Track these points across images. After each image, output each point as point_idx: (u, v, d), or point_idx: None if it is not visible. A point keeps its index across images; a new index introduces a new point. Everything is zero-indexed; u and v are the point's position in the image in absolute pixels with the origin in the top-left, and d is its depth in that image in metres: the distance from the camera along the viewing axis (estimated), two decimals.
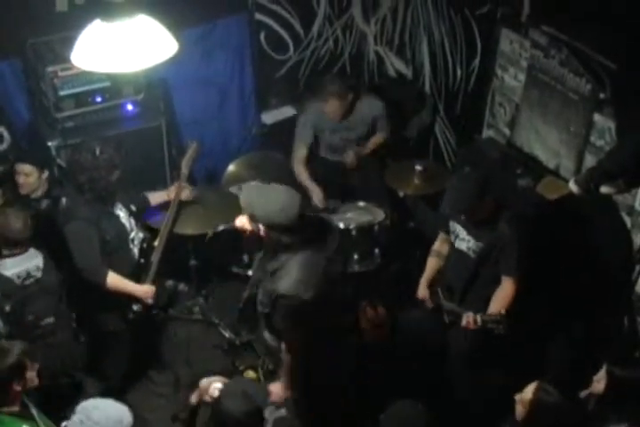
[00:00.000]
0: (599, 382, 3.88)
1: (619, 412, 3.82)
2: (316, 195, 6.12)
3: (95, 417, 3.57)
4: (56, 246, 4.80)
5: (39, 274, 4.68)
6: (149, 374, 5.69)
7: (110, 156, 4.70)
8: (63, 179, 5.53)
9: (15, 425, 3.77)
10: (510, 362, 5.26)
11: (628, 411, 3.81)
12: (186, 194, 5.52)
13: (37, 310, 4.69)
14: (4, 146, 5.64)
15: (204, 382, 4.12)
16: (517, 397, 3.84)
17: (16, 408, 3.83)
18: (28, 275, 4.65)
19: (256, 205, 4.12)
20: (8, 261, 4.62)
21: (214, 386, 4.05)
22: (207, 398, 4.05)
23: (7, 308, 4.60)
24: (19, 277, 4.62)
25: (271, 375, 4.61)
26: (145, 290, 4.97)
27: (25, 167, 5.21)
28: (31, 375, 3.90)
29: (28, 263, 4.66)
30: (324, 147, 6.39)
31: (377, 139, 6.38)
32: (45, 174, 5.29)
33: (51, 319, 4.74)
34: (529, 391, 3.77)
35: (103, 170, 4.67)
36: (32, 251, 4.69)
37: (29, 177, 5.22)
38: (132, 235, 5.02)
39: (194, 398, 4.14)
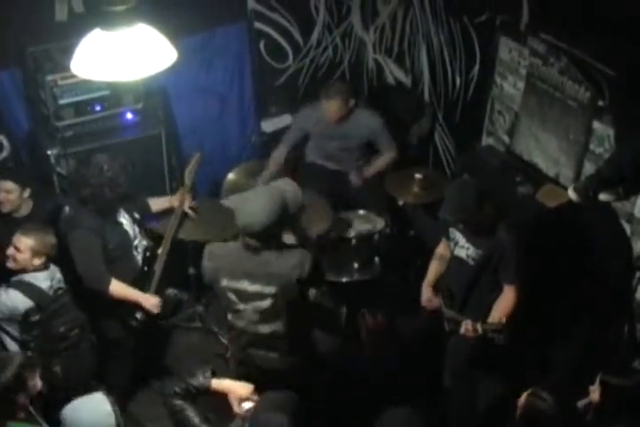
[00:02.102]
0: (594, 392, 3.88)
1: (614, 421, 3.82)
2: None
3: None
4: (61, 255, 4.82)
5: (64, 285, 4.79)
6: (150, 383, 5.68)
7: (116, 174, 4.70)
8: (67, 188, 5.53)
9: None
10: (510, 370, 5.26)
11: (623, 420, 3.80)
12: (188, 205, 5.52)
13: (68, 321, 4.79)
14: (4, 154, 5.65)
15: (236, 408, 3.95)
16: (518, 401, 3.84)
17: (22, 415, 3.83)
18: (59, 287, 4.77)
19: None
20: (40, 274, 4.71)
21: (244, 407, 3.91)
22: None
23: (36, 317, 4.66)
24: (52, 288, 4.71)
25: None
26: (151, 301, 4.97)
27: (6, 184, 5.11)
28: (33, 384, 3.87)
29: (55, 276, 4.77)
30: (319, 153, 6.39)
31: (385, 159, 6.37)
32: (27, 193, 5.18)
33: (78, 331, 4.85)
34: (523, 396, 3.78)
35: (107, 187, 4.67)
36: (52, 265, 4.80)
37: (10, 194, 5.12)
38: (136, 242, 5.02)
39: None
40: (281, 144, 6.36)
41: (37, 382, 3.91)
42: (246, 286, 4.22)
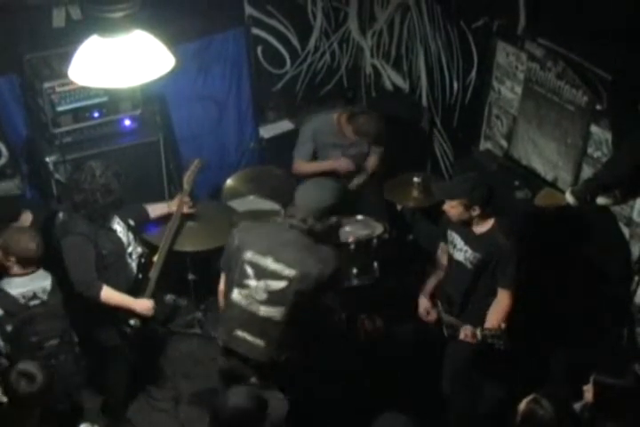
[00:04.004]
0: (588, 392, 3.89)
1: (607, 420, 3.82)
2: (340, 163, 6.26)
3: None
4: (54, 261, 4.79)
5: (45, 296, 4.67)
6: (149, 390, 5.67)
7: (108, 180, 4.70)
8: (62, 194, 5.53)
9: None
10: (509, 375, 5.25)
11: (617, 419, 3.81)
12: (187, 208, 5.54)
13: (41, 331, 4.68)
14: (2, 161, 5.63)
15: None
16: (518, 407, 3.84)
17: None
18: (35, 296, 4.64)
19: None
20: (17, 279, 4.63)
21: None
22: None
23: (9, 327, 4.57)
24: (24, 296, 4.61)
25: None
26: (143, 304, 4.95)
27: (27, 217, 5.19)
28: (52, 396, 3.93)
29: (35, 284, 4.66)
30: (320, 159, 6.39)
31: (373, 161, 6.43)
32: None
33: (55, 341, 4.73)
34: (523, 402, 3.78)
35: (99, 193, 4.67)
36: (41, 272, 4.71)
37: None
38: (130, 249, 5.01)
39: None
40: (296, 160, 6.33)
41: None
42: (269, 262, 4.26)
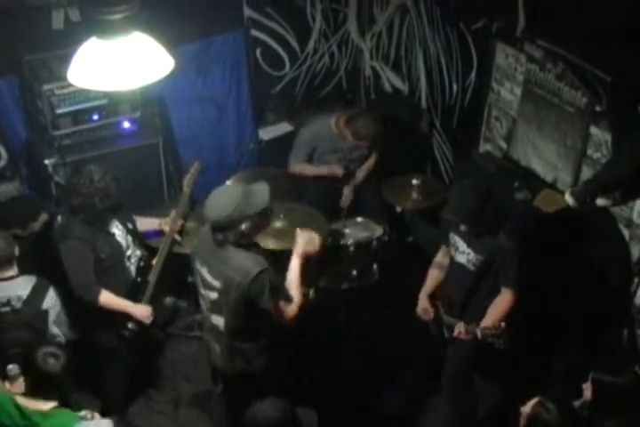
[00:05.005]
0: (587, 390, 3.90)
1: (606, 418, 3.82)
2: (333, 168, 6.27)
3: None
4: (53, 264, 4.80)
5: (19, 305, 4.59)
6: (149, 392, 5.67)
7: (107, 185, 4.68)
8: (60, 196, 5.52)
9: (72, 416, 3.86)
10: (510, 375, 5.25)
11: (615, 417, 3.81)
12: (177, 235, 5.41)
13: (6, 339, 4.58)
14: (2, 163, 5.65)
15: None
16: (522, 409, 3.83)
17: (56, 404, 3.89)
18: (8, 302, 4.58)
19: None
20: None
21: None
22: None
23: None
24: None
25: None
26: (141, 311, 4.95)
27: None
28: None
29: (11, 291, 4.59)
30: (320, 165, 6.38)
31: (370, 162, 6.45)
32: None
33: (17, 350, 4.48)
34: (528, 406, 3.77)
35: (97, 197, 4.66)
36: (21, 281, 4.64)
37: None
38: (129, 253, 5.00)
39: None
40: (292, 163, 6.32)
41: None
42: (205, 273, 4.32)
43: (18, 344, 4.53)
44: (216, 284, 4.23)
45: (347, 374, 5.50)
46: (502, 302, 4.71)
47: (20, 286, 4.63)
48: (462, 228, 4.75)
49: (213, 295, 4.30)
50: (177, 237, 5.39)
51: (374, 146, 6.25)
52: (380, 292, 5.85)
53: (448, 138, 6.78)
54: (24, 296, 4.61)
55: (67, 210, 4.86)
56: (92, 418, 3.95)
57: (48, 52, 5.49)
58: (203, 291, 4.39)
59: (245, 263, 4.14)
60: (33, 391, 3.88)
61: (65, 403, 4.01)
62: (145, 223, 5.34)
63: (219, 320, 4.35)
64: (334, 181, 6.35)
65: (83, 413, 3.96)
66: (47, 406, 3.84)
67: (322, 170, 6.29)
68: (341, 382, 5.44)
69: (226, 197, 4.17)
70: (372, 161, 6.46)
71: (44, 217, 5.20)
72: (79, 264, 4.73)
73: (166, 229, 5.34)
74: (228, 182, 6.32)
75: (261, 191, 4.26)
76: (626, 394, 3.85)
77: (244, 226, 4.13)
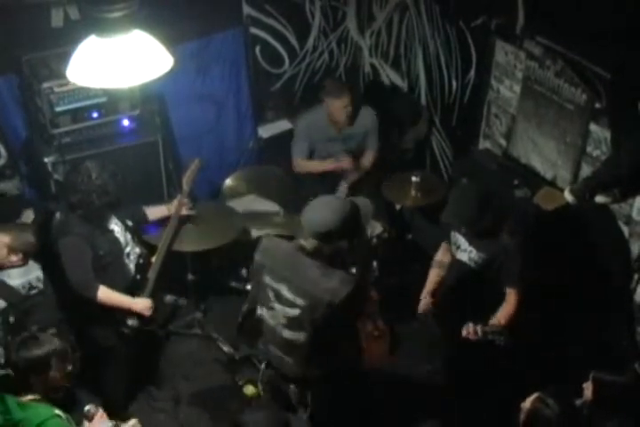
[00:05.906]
0: (587, 389, 3.90)
1: (607, 418, 3.83)
2: (343, 163, 6.28)
3: None
4: (50, 260, 4.82)
5: (41, 285, 4.75)
6: (149, 390, 5.67)
7: (105, 182, 4.69)
8: (59, 194, 5.52)
9: (47, 410, 3.81)
10: (512, 372, 5.25)
11: (616, 416, 3.81)
12: (186, 209, 5.52)
13: (40, 320, 4.67)
14: (1, 162, 5.64)
15: None
16: (522, 405, 3.84)
17: (29, 397, 3.86)
18: (31, 286, 4.73)
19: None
20: (14, 271, 4.66)
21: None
22: None
23: (12, 318, 4.61)
24: (24, 287, 4.68)
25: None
26: (141, 303, 4.95)
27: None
28: (54, 375, 3.90)
29: (30, 274, 4.72)
30: (322, 157, 6.38)
31: (369, 158, 6.45)
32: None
33: (53, 330, 4.71)
34: (528, 401, 3.78)
35: (95, 194, 4.67)
36: (32, 263, 4.75)
37: None
38: (128, 250, 5.01)
39: None
40: (295, 159, 6.36)
41: (57, 379, 3.92)
42: (284, 290, 4.14)
43: (52, 325, 4.56)
44: (300, 302, 4.07)
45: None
46: (510, 304, 4.69)
47: (33, 267, 4.77)
48: (462, 230, 4.76)
49: (294, 312, 4.12)
50: (187, 211, 5.50)
51: (349, 97, 6.13)
52: (380, 289, 5.84)
53: (447, 135, 6.78)
54: (41, 276, 4.78)
55: (65, 207, 4.87)
56: (97, 412, 3.94)
57: (47, 50, 5.48)
58: (278, 306, 4.20)
59: (341, 280, 4.00)
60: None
61: (71, 400, 4.01)
62: (155, 212, 5.41)
63: (296, 335, 4.19)
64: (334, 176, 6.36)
65: (87, 407, 3.95)
66: (27, 397, 3.83)
67: (328, 165, 6.29)
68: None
69: (330, 211, 3.99)
70: (369, 158, 6.44)
71: (28, 215, 5.21)
72: (77, 261, 4.74)
73: (173, 211, 5.41)
74: (228, 181, 6.34)
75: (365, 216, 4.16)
76: (627, 393, 3.85)
77: (344, 242, 4.01)
